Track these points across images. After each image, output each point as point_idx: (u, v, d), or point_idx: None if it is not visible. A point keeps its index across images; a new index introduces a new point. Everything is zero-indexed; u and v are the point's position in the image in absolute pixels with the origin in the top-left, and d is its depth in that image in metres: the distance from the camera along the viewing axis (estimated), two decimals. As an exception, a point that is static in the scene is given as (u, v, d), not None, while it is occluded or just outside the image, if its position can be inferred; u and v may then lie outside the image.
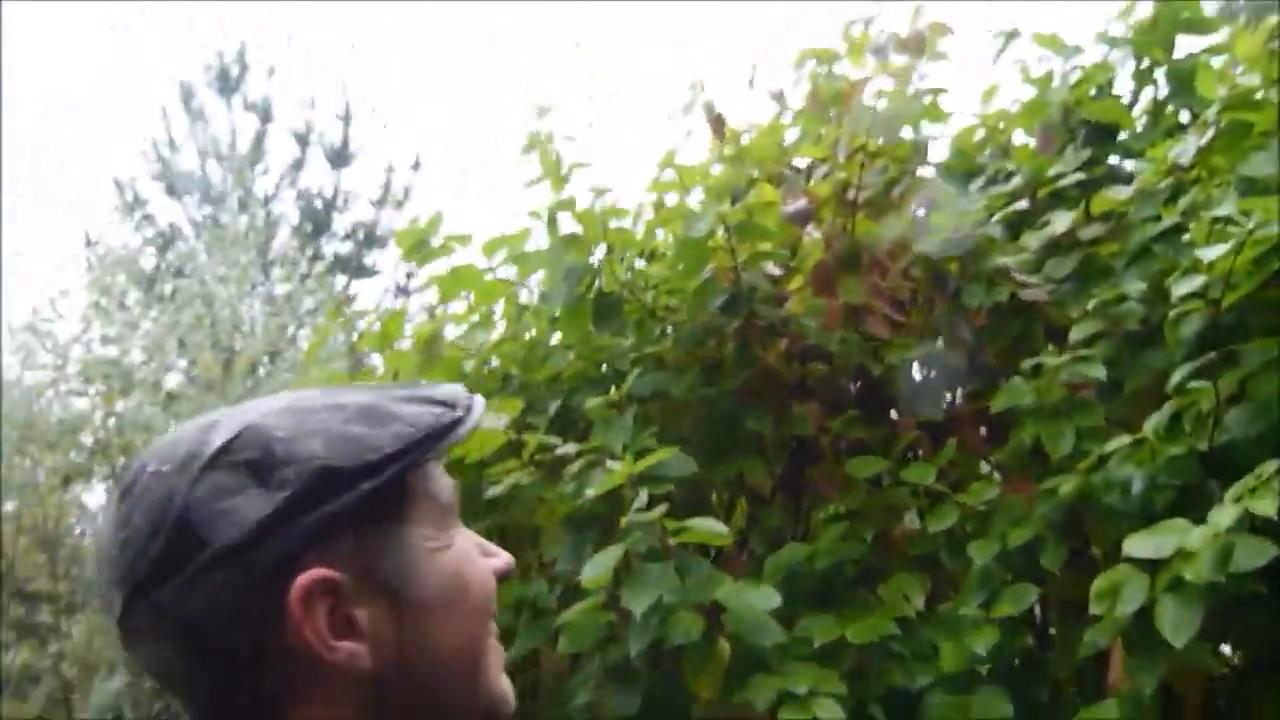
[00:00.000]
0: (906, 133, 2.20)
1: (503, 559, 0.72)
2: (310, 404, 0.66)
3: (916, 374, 2.20)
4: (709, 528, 1.57)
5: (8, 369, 6.37)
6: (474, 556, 0.70)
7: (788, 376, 2.10)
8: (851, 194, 2.10)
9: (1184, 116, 2.15)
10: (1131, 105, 2.25)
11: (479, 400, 0.71)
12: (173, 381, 6.71)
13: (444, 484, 0.70)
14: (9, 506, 6.25)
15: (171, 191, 14.71)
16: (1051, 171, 2.08)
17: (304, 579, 0.60)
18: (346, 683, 0.63)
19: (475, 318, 2.24)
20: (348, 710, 0.64)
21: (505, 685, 0.70)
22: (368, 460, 0.63)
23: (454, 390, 0.70)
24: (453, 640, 0.67)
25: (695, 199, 2.15)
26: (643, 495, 1.64)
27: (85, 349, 6.51)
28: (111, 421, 6.12)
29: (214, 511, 0.61)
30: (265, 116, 14.47)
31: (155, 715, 6.49)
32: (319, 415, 0.65)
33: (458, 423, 0.68)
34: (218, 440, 0.63)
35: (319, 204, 15.39)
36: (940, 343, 2.08)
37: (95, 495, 7.00)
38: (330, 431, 0.64)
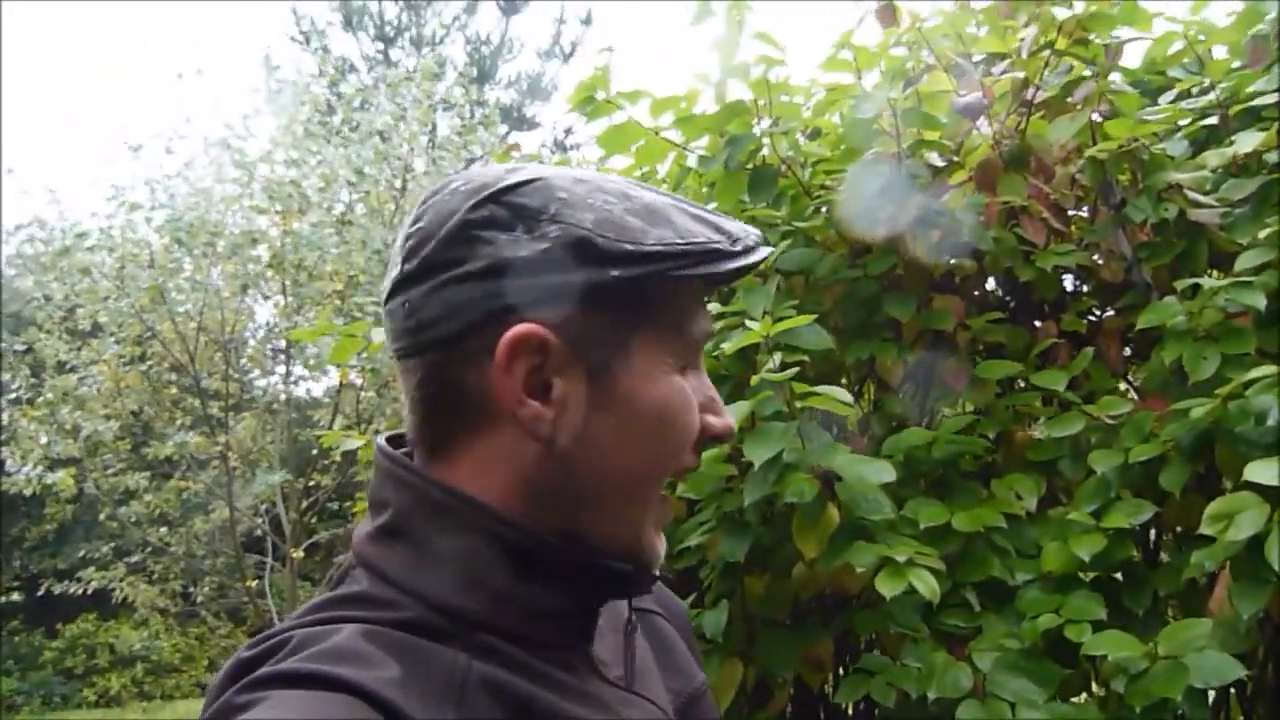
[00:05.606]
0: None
1: (722, 422, 0.70)
2: (605, 184, 0.67)
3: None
4: (835, 395, 1.63)
5: (202, 178, 6.82)
6: (690, 404, 0.68)
7: (935, 269, 2.09)
8: (1030, 93, 2.05)
9: None
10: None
11: (762, 248, 0.69)
12: (343, 209, 7.06)
13: (697, 320, 0.69)
14: (189, 307, 6.79)
15: (348, 24, 15.07)
16: (1251, 89, 1.96)
17: (520, 329, 0.63)
18: (516, 440, 0.65)
19: (637, 174, 2.27)
20: (502, 465, 0.65)
21: (659, 542, 0.70)
22: (624, 249, 0.63)
23: (743, 228, 0.69)
24: (623, 462, 0.66)
25: (869, 84, 2.13)
26: (776, 358, 1.70)
27: (270, 169, 6.89)
28: (288, 239, 6.51)
29: (477, 237, 0.64)
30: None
31: (303, 511, 7.13)
32: (605, 195, 0.66)
33: (728, 255, 0.66)
34: (511, 180, 0.66)
35: (486, 51, 15.53)
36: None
37: (265, 309, 7.54)
38: (606, 211, 0.64)
